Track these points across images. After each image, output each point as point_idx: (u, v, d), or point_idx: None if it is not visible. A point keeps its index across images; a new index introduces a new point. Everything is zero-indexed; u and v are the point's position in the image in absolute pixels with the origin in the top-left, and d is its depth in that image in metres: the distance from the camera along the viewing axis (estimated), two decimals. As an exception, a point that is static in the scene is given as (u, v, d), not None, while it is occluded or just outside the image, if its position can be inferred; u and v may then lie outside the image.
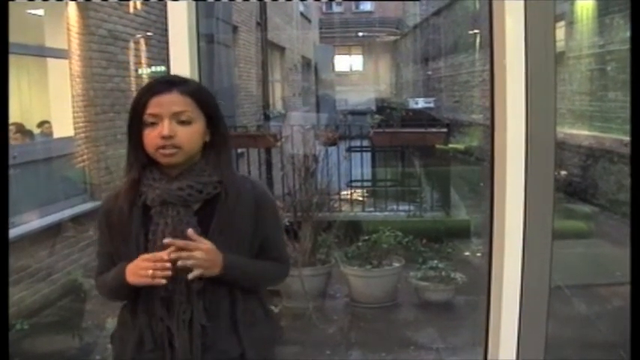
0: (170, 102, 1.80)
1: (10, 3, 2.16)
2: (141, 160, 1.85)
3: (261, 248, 1.95)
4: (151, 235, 1.84)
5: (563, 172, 8.16)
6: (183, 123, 1.81)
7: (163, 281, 1.76)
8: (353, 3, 21.67)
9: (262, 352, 1.97)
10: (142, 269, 1.76)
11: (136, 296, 1.86)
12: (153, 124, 1.80)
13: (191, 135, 1.82)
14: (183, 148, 1.81)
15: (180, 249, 1.77)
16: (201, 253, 1.78)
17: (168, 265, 1.75)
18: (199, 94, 1.87)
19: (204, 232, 1.83)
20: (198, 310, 1.83)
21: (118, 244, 1.88)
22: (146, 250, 1.81)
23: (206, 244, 1.79)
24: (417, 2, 18.02)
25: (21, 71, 7.24)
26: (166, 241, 1.77)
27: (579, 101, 9.06)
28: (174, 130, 1.79)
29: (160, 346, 1.83)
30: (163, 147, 1.79)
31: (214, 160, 1.88)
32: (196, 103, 1.84)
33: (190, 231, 1.79)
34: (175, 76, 1.94)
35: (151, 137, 1.80)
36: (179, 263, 1.76)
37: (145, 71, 7.06)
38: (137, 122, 1.82)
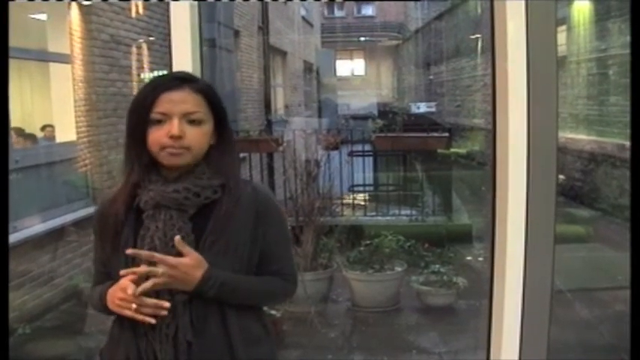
0: (181, 100, 1.68)
1: (13, 7, 2.15)
2: (143, 160, 1.72)
3: (261, 259, 1.79)
4: (139, 240, 1.70)
5: (561, 177, 8.15)
6: (193, 123, 1.69)
7: (151, 320, 1.64)
8: (355, 8, 21.67)
9: None
10: (121, 301, 1.65)
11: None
12: (159, 122, 1.67)
13: (201, 136, 1.70)
14: (191, 149, 1.69)
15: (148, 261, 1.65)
16: (166, 268, 1.63)
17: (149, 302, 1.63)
18: (211, 93, 1.75)
19: (198, 240, 1.70)
20: (183, 325, 1.67)
21: (109, 250, 1.74)
22: (134, 258, 1.67)
23: (178, 259, 1.65)
24: (419, 7, 18.02)
25: (23, 76, 7.25)
26: (129, 252, 1.65)
27: (581, 105, 9.06)
28: (184, 130, 1.67)
29: None
30: (170, 147, 1.67)
31: (217, 163, 1.76)
32: (207, 103, 1.72)
33: (177, 239, 1.65)
34: (185, 73, 1.82)
35: (157, 136, 1.67)
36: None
37: (147, 76, 7.06)
38: (142, 120, 1.68)
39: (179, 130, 1.66)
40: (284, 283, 1.86)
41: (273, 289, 1.85)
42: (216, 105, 1.76)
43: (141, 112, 1.69)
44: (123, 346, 1.73)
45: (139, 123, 1.70)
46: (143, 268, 1.63)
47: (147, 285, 1.63)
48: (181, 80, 1.72)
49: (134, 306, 1.62)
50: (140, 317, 1.63)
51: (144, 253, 1.64)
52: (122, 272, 1.65)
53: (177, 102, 1.68)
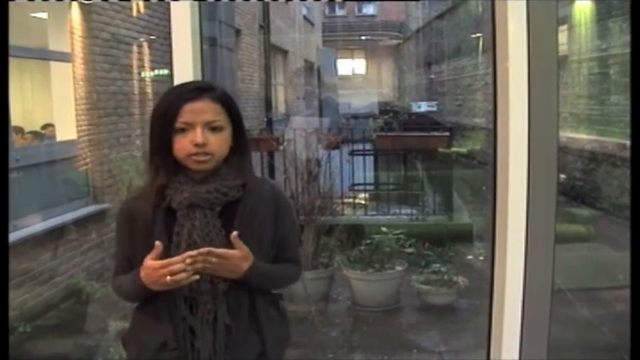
0: (202, 110, 1.84)
1: (14, 6, 2.16)
2: (169, 165, 1.88)
3: (278, 248, 1.98)
4: (175, 237, 1.86)
5: (562, 176, 8.13)
6: (214, 130, 1.85)
7: (195, 277, 1.78)
8: (356, 6, 21.63)
9: (280, 351, 2.02)
10: (159, 277, 1.78)
11: (156, 296, 1.86)
12: (183, 130, 1.83)
13: (222, 142, 1.87)
14: (215, 154, 1.86)
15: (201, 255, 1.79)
16: (219, 260, 1.79)
17: (183, 266, 1.76)
18: (228, 100, 1.91)
19: (227, 234, 1.85)
20: (222, 310, 1.85)
21: (138, 246, 1.88)
22: (168, 253, 1.82)
23: (234, 252, 1.81)
24: (420, 6, 17.99)
25: (24, 74, 7.26)
26: (191, 253, 1.77)
27: (582, 105, 9.04)
28: (207, 137, 1.83)
29: (183, 346, 1.85)
30: (196, 154, 1.83)
31: (237, 164, 1.93)
32: (226, 110, 1.88)
33: (234, 235, 1.81)
34: (203, 82, 2.00)
35: (183, 144, 1.83)
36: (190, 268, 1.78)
37: (148, 74, 7.06)
38: (167, 129, 1.84)
39: (203, 138, 1.83)
40: (295, 268, 2.09)
41: (289, 274, 2.09)
42: (234, 111, 1.93)
43: (165, 122, 1.85)
44: (158, 330, 1.88)
45: (163, 132, 1.86)
46: (199, 257, 1.77)
47: (198, 267, 1.79)
48: (201, 90, 1.88)
49: (168, 278, 1.76)
50: (182, 282, 1.78)
51: (202, 250, 1.78)
52: (175, 261, 1.78)
53: (199, 112, 1.84)
